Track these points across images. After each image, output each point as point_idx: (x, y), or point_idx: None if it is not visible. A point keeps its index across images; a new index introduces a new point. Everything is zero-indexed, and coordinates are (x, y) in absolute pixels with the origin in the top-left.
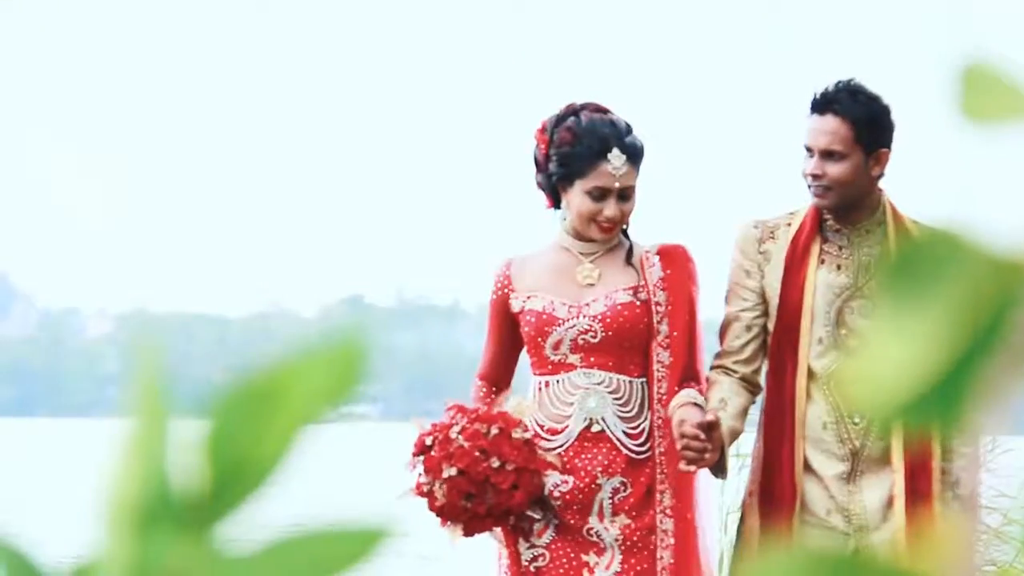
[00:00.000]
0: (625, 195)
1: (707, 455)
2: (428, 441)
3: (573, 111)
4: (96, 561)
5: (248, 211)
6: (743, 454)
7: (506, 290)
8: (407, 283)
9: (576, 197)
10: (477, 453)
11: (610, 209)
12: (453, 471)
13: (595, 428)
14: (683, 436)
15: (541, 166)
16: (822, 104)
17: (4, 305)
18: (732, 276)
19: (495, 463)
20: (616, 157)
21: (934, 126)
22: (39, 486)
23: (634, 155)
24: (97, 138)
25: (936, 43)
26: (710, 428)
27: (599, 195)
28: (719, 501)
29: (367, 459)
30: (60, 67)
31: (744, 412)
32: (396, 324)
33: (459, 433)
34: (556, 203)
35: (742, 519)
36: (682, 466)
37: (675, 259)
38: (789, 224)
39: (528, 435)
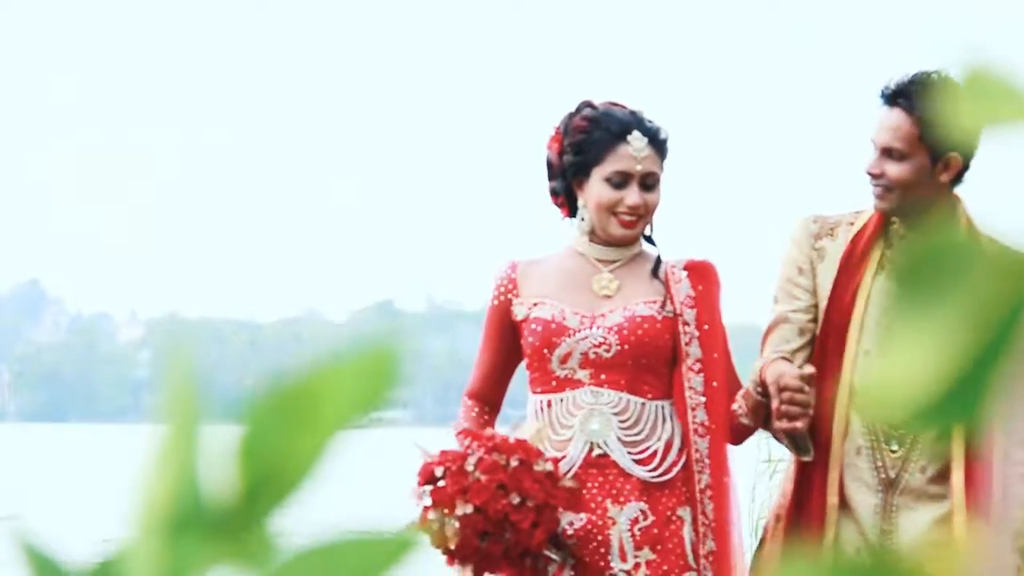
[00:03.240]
0: (649, 184)
1: (810, 412)
2: (438, 472)
3: (587, 104)
4: (126, 567)
5: (279, 216)
6: (775, 459)
7: (509, 295)
8: (437, 288)
9: (594, 186)
10: (496, 488)
11: (632, 197)
12: (469, 508)
13: (596, 452)
14: (784, 389)
15: (556, 168)
16: (890, 96)
17: (35, 310)
18: (783, 273)
19: (515, 499)
20: (637, 139)
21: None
22: (71, 491)
23: (656, 140)
24: (128, 143)
25: (937, 48)
26: (811, 382)
27: (619, 181)
28: (748, 507)
29: (399, 465)
30: (89, 72)
31: None
32: (427, 329)
33: (475, 465)
34: (573, 211)
35: (761, 542)
36: (783, 424)
37: (706, 276)
38: (852, 223)
39: (550, 467)
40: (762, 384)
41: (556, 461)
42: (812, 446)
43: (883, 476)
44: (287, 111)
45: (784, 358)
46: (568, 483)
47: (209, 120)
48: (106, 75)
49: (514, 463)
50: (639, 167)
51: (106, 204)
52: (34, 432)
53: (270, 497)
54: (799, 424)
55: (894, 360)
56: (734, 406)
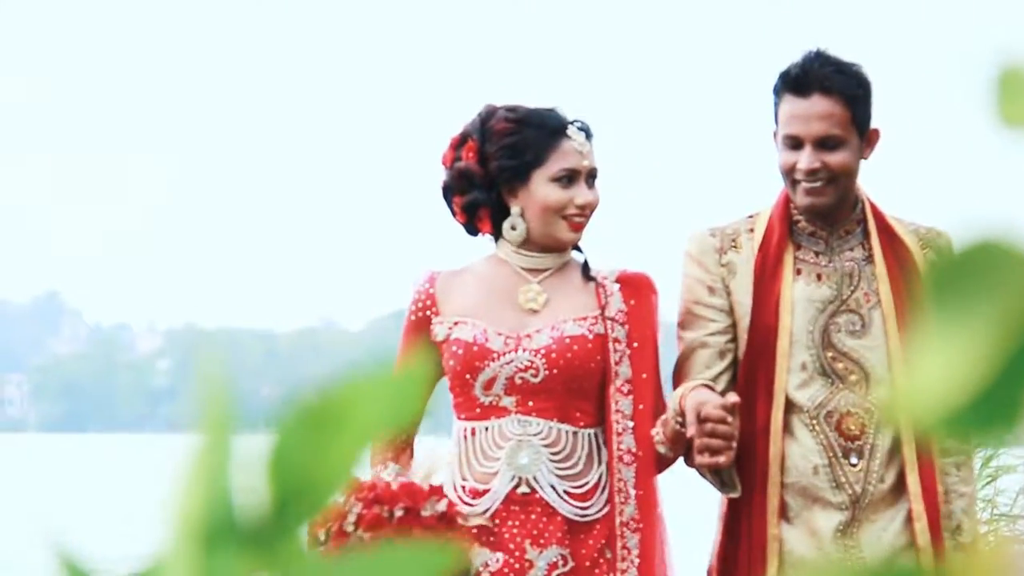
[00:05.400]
0: (592, 181)
1: (733, 446)
2: (322, 536)
3: (495, 107)
4: None
5: (296, 226)
6: None
7: (428, 312)
8: None
9: (539, 189)
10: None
11: (583, 195)
12: None
13: (522, 490)
14: (706, 420)
15: (478, 178)
16: (804, 83)
17: (54, 322)
18: (689, 295)
19: None
20: (576, 133)
21: (967, 131)
22: (91, 501)
23: (589, 134)
24: (146, 153)
25: (970, 49)
26: (734, 411)
27: (568, 179)
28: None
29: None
30: (103, 80)
31: None
32: None
33: (355, 523)
34: (496, 225)
35: None
36: (704, 459)
37: (639, 289)
38: (751, 230)
39: (441, 506)
40: (682, 414)
41: (473, 491)
42: (739, 482)
43: (848, 492)
44: (304, 122)
45: (706, 385)
46: (475, 520)
47: (227, 130)
48: (118, 81)
49: (399, 513)
50: (585, 162)
51: (124, 215)
52: (54, 442)
53: (301, 508)
54: (722, 459)
55: (929, 367)
56: (652, 432)
